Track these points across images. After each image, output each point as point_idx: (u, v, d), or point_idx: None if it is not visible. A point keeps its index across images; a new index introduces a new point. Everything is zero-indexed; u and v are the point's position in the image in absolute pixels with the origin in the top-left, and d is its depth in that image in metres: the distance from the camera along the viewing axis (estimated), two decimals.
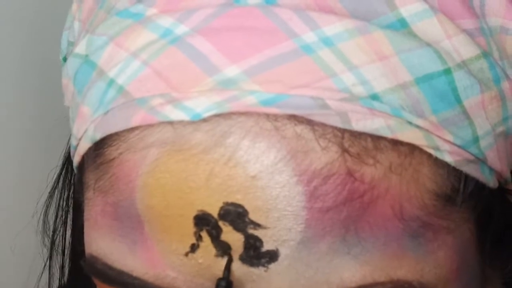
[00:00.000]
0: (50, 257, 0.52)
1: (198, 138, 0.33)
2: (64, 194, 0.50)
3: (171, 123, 0.34)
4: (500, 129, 0.36)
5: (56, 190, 0.50)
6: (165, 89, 0.34)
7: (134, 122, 0.34)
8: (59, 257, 0.52)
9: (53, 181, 0.50)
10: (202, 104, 0.33)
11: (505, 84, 0.36)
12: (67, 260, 0.51)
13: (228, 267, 0.33)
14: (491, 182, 0.37)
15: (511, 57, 0.37)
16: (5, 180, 0.73)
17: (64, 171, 0.49)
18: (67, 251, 0.51)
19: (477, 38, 0.35)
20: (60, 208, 0.50)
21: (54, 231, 0.51)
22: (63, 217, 0.50)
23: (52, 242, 0.51)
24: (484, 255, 0.38)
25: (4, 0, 0.70)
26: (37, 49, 0.72)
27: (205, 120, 0.33)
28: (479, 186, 0.36)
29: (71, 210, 0.50)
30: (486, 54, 0.35)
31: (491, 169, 0.36)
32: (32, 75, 0.73)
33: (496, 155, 0.36)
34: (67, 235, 0.51)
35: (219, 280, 0.33)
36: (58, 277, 0.52)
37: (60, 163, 0.49)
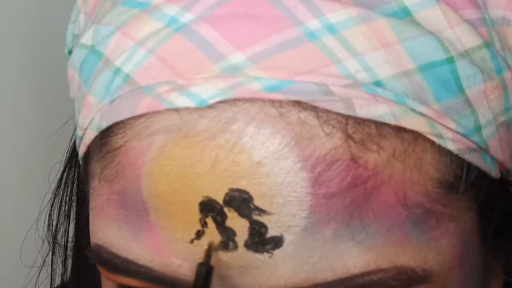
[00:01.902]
0: (52, 252, 0.52)
1: (204, 125, 0.33)
2: (67, 189, 0.50)
3: (177, 110, 0.34)
4: (502, 118, 0.37)
5: (61, 186, 0.50)
6: (171, 76, 0.34)
7: (140, 110, 0.34)
8: (61, 252, 0.52)
9: (58, 178, 0.50)
10: (208, 90, 0.33)
11: (507, 74, 0.36)
12: (70, 255, 0.51)
13: (208, 253, 0.34)
14: (493, 171, 0.37)
15: None
16: (8, 176, 0.73)
17: (68, 167, 0.49)
18: (69, 246, 0.51)
19: (479, 29, 0.36)
20: (64, 203, 0.50)
21: (56, 226, 0.51)
22: (67, 211, 0.50)
23: (54, 238, 0.51)
24: (486, 245, 0.38)
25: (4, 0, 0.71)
26: (40, 47, 0.72)
27: (210, 106, 0.33)
28: (481, 175, 0.36)
29: (74, 205, 0.50)
30: (488, 44, 0.36)
31: (493, 158, 0.37)
32: (34, 72, 0.74)
33: (498, 144, 0.37)
34: (70, 230, 0.51)
35: (200, 265, 0.34)
36: (60, 273, 0.52)
37: (62, 159, 0.49)
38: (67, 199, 0.50)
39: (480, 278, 0.39)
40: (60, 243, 0.52)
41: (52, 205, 0.50)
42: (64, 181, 0.50)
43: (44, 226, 0.51)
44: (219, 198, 0.33)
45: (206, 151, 0.33)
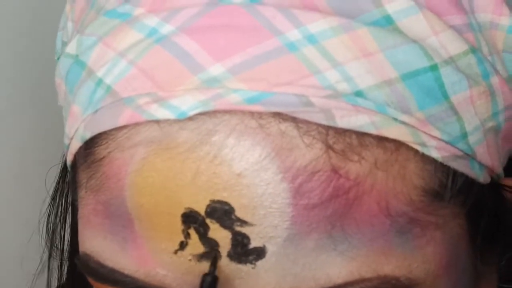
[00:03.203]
0: (49, 256, 0.52)
1: (184, 137, 0.33)
2: (64, 193, 0.50)
3: (157, 122, 0.34)
4: (490, 124, 0.36)
5: (58, 191, 0.50)
6: (151, 88, 0.34)
7: (121, 121, 0.34)
8: (58, 257, 0.52)
9: (55, 182, 0.50)
10: (187, 102, 0.33)
11: (494, 79, 0.36)
12: (66, 260, 0.52)
13: (214, 263, 0.34)
14: (482, 177, 0.37)
15: (501, 52, 0.37)
16: (5, 180, 0.73)
17: (64, 171, 0.49)
18: (66, 251, 0.51)
19: (465, 34, 0.35)
20: (60, 208, 0.50)
21: (53, 231, 0.51)
22: (63, 216, 0.51)
23: (51, 242, 0.51)
24: (475, 250, 0.38)
25: (2, 1, 0.71)
26: (37, 48, 0.73)
27: (190, 118, 0.33)
28: (469, 181, 0.36)
29: (70, 210, 0.50)
30: (474, 50, 0.35)
31: (481, 164, 0.36)
32: (32, 74, 0.74)
33: (486, 150, 0.36)
34: (66, 235, 0.51)
35: (205, 275, 0.34)
36: (56, 277, 0.53)
37: (60, 162, 0.49)
38: (64, 204, 0.50)
39: (469, 284, 0.39)
40: (57, 247, 0.52)
41: (51, 209, 0.51)
42: (60, 186, 0.50)
43: (39, 230, 0.51)
44: (201, 209, 0.33)
45: (187, 163, 0.33)
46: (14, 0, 0.72)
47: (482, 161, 0.36)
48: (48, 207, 0.51)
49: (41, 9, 0.73)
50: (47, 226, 0.51)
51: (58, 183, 0.50)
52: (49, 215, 0.51)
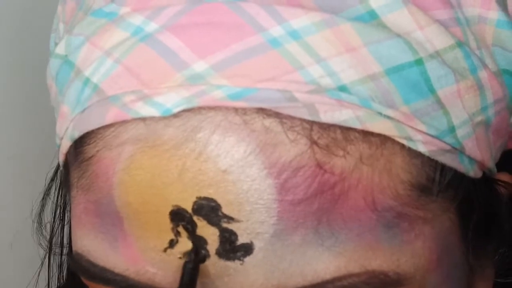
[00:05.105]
0: (49, 255, 0.52)
1: (170, 134, 0.34)
2: (61, 191, 0.50)
3: (143, 119, 0.34)
4: (479, 118, 0.36)
5: (53, 188, 0.50)
6: (137, 85, 0.34)
7: (108, 120, 0.35)
8: (58, 255, 0.52)
9: (50, 178, 0.50)
10: (172, 99, 0.33)
11: (482, 73, 0.36)
12: (66, 258, 0.52)
13: (196, 251, 0.34)
14: (472, 171, 0.36)
15: (491, 46, 0.37)
16: (3, 178, 0.74)
17: (59, 169, 0.50)
18: (65, 249, 0.52)
19: (452, 28, 0.35)
20: (58, 206, 0.51)
21: (52, 229, 0.52)
22: (61, 214, 0.51)
23: (50, 240, 0.52)
24: (467, 244, 0.38)
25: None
26: (38, 47, 0.73)
27: (176, 115, 0.33)
28: (458, 176, 0.36)
29: (68, 207, 0.50)
30: (461, 44, 0.35)
31: (470, 158, 0.36)
32: (29, 72, 0.74)
33: (475, 144, 0.36)
34: (65, 233, 0.51)
35: (186, 262, 0.34)
36: (57, 276, 0.53)
37: (56, 160, 0.49)
38: (61, 201, 0.51)
39: (461, 278, 0.38)
40: (55, 246, 0.52)
41: (43, 206, 0.51)
42: (58, 181, 0.50)
43: (34, 228, 0.51)
44: (188, 206, 0.33)
45: (173, 160, 0.33)
46: (11, 0, 0.73)
47: (471, 155, 0.36)
48: (39, 204, 0.51)
49: (38, 10, 0.74)
50: (39, 224, 0.51)
51: (52, 180, 0.50)
52: (41, 213, 0.51)
